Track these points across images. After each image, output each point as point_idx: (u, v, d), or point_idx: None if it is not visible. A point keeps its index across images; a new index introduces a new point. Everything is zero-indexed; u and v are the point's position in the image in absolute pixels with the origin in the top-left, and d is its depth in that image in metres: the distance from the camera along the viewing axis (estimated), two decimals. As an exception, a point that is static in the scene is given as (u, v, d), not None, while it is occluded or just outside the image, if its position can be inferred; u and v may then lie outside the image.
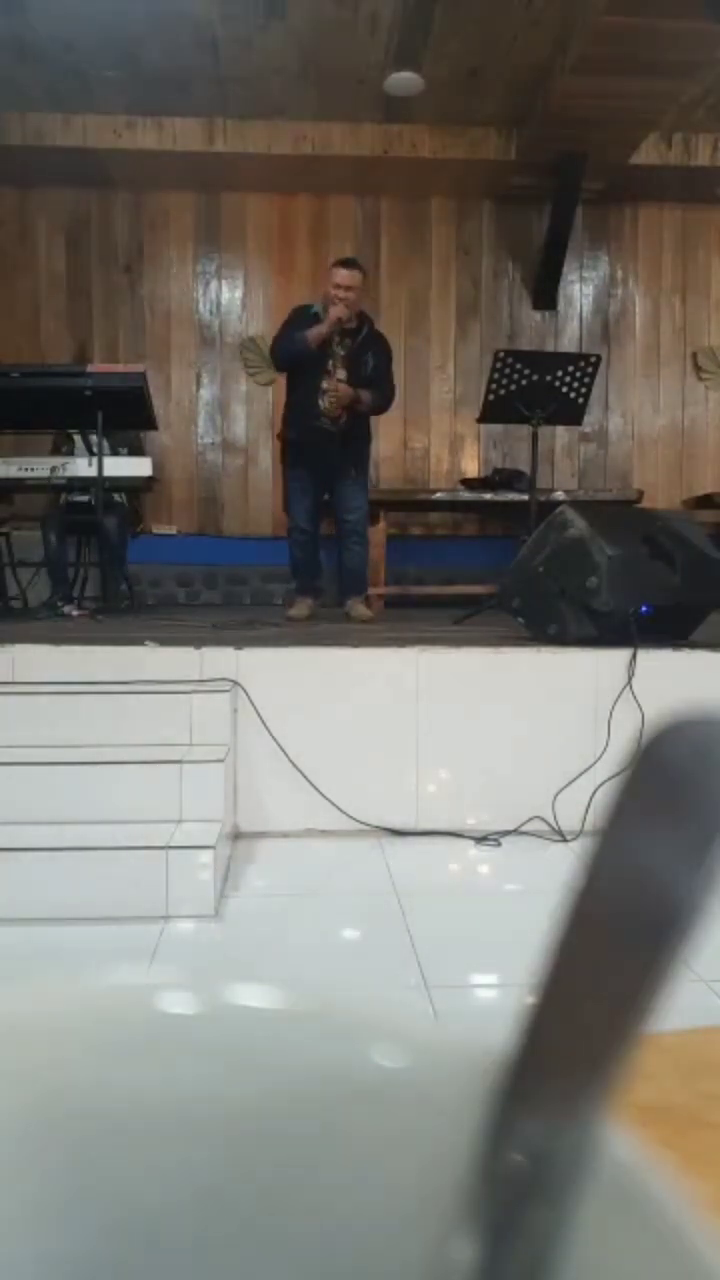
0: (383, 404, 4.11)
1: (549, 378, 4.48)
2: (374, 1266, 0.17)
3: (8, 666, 2.84)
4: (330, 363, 3.91)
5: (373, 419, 4.22)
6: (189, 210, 6.36)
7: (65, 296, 6.37)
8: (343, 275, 3.85)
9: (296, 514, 4.17)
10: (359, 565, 4.24)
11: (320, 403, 3.92)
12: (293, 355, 3.95)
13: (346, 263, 3.93)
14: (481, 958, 1.99)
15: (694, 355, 6.63)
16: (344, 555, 4.20)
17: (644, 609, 2.98)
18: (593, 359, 4.56)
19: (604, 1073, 0.13)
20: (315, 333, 3.86)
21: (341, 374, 3.92)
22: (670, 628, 3.11)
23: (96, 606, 4.39)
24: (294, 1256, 0.17)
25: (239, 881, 2.46)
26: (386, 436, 6.44)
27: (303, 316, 3.98)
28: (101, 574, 4.57)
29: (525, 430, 4.71)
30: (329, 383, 3.89)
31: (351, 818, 2.76)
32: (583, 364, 4.53)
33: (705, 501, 6.13)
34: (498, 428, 6.17)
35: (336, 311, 3.83)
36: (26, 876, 2.22)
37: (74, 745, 2.60)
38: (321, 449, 3.97)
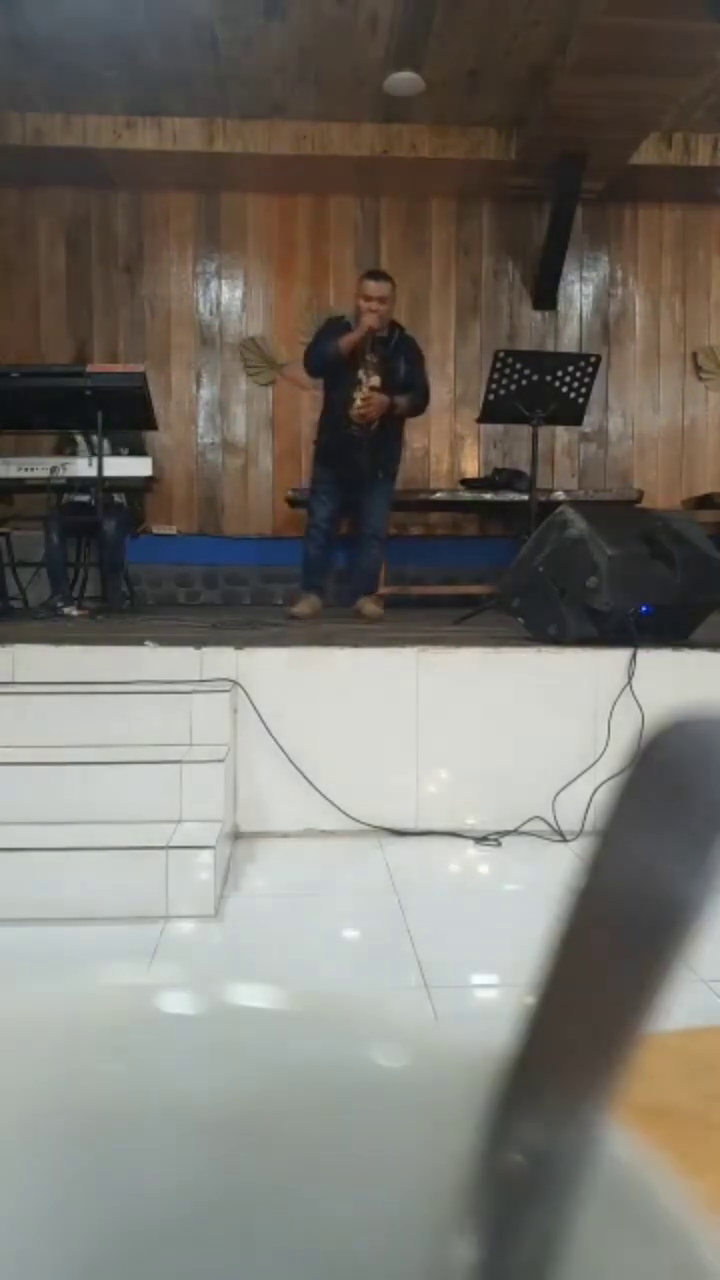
0: (419, 406, 4.23)
1: (549, 378, 4.48)
2: (374, 1266, 0.17)
3: (8, 666, 2.84)
4: (361, 372, 3.98)
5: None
6: (189, 210, 6.35)
7: (65, 296, 6.37)
8: (372, 287, 3.98)
9: (317, 513, 4.25)
10: (374, 566, 4.35)
11: (350, 412, 3.99)
12: (323, 360, 4.04)
13: (375, 275, 4.09)
14: (481, 958, 1.99)
15: (694, 355, 6.62)
16: (361, 557, 4.30)
17: (644, 609, 2.98)
18: (593, 359, 4.56)
19: (605, 1073, 0.13)
20: (347, 339, 3.96)
21: (375, 380, 3.98)
22: (670, 628, 3.11)
23: (96, 606, 4.39)
24: (294, 1256, 0.17)
25: (239, 881, 2.46)
26: (386, 436, 6.43)
27: (335, 326, 4.09)
28: (101, 574, 4.57)
29: (525, 430, 4.71)
30: (360, 394, 3.96)
31: (351, 818, 2.75)
32: (583, 364, 4.53)
33: (705, 501, 6.13)
34: (498, 428, 6.17)
35: (369, 321, 3.92)
36: (26, 876, 2.22)
37: (74, 745, 2.60)
38: (350, 454, 4.05)
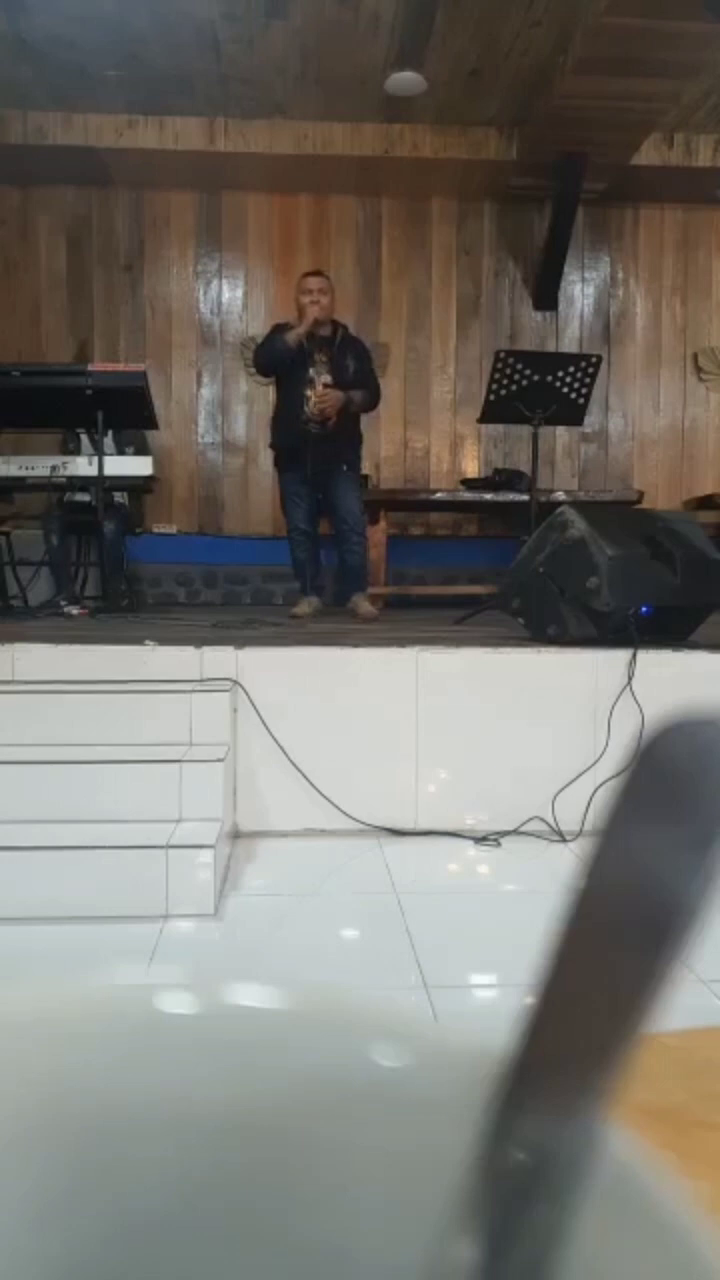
0: (372, 402, 4.29)
1: (549, 378, 4.48)
2: (374, 1266, 0.17)
3: (8, 666, 2.84)
4: (312, 371, 4.06)
5: (362, 417, 4.34)
6: (190, 209, 6.36)
7: (66, 295, 6.37)
8: (310, 281, 4.14)
9: (294, 516, 4.28)
10: (359, 562, 4.32)
11: (305, 409, 4.06)
12: (272, 356, 4.12)
13: (312, 273, 4.26)
14: (481, 958, 1.99)
15: (694, 356, 6.63)
16: (345, 554, 4.28)
17: (644, 609, 2.97)
18: (593, 359, 4.55)
19: (604, 1072, 0.13)
20: (294, 334, 4.05)
21: (326, 378, 4.06)
22: (670, 628, 3.11)
23: (96, 606, 4.39)
24: (294, 1256, 0.17)
25: (239, 881, 2.46)
26: (387, 436, 6.44)
27: (280, 328, 4.18)
28: (101, 574, 4.57)
29: (526, 430, 4.71)
30: (314, 391, 4.03)
31: (351, 818, 2.75)
32: (583, 364, 4.53)
33: (705, 502, 6.13)
34: (498, 428, 6.17)
35: (311, 312, 4.03)
36: (26, 876, 2.22)
37: (74, 745, 2.60)
38: (308, 450, 4.09)
